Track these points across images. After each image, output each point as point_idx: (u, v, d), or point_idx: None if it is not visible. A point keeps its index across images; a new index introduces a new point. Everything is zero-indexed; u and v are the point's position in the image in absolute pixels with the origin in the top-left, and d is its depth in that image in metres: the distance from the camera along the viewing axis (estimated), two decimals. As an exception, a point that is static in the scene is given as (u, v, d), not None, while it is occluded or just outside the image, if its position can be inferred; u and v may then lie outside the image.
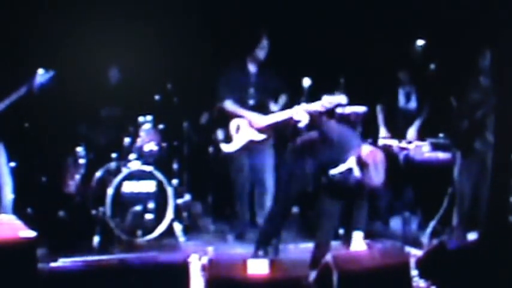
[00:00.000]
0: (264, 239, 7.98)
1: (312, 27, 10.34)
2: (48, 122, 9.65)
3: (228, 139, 9.19)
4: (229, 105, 9.13)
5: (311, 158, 7.66)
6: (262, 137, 9.07)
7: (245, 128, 9.10)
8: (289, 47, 9.88)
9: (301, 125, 7.92)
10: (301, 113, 7.86)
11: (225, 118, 9.17)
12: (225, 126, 9.20)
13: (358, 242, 7.47)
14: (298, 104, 7.94)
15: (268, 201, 8.93)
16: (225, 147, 9.20)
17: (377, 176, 7.28)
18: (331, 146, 7.48)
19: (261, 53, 9.18)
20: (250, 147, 9.13)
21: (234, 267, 6.04)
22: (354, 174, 7.28)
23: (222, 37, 10.17)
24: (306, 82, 7.92)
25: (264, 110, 9.07)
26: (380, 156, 7.32)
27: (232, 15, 10.32)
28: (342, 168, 7.35)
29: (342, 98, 8.27)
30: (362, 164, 7.22)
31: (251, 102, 9.18)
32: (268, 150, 9.19)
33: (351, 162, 7.29)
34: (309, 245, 8.76)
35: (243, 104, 9.12)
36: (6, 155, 8.63)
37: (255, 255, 7.77)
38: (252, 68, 9.26)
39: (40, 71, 8.47)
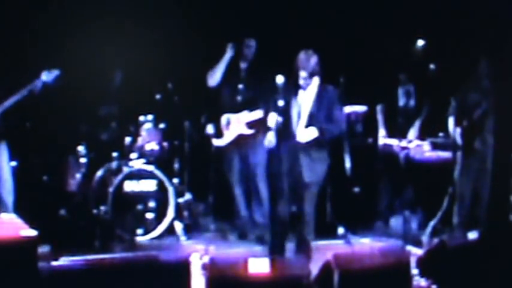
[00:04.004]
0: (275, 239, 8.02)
1: (312, 27, 10.34)
2: (49, 121, 9.65)
3: (218, 134, 9.26)
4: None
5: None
6: (251, 131, 9.08)
7: (235, 122, 9.15)
8: (289, 47, 9.87)
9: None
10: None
11: (216, 113, 9.29)
12: (216, 121, 9.30)
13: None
14: None
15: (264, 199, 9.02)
16: (216, 142, 9.27)
17: None
18: None
19: (247, 52, 9.24)
20: (241, 142, 9.15)
21: (235, 266, 6.03)
22: None
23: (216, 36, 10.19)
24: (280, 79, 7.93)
25: (252, 106, 9.10)
26: None
27: (230, 14, 10.33)
28: None
29: None
30: None
31: (239, 98, 9.21)
32: (259, 145, 9.09)
33: None
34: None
35: (231, 99, 9.18)
36: (8, 154, 8.63)
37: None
38: (242, 64, 9.30)
39: (44, 73, 8.49)
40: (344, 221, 9.26)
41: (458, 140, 8.86)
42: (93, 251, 8.32)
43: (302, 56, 7.94)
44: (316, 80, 7.96)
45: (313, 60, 7.93)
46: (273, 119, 7.94)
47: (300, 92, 7.94)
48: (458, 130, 8.85)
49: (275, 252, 7.82)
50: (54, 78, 8.55)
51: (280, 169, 7.85)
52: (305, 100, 7.94)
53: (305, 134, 7.85)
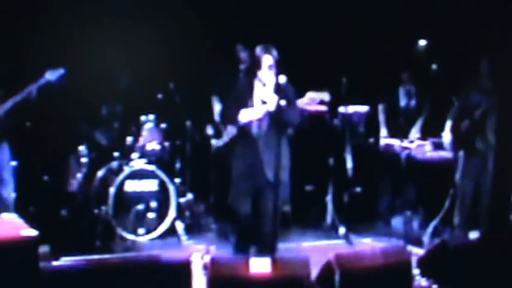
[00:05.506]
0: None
1: (314, 28, 10.35)
2: (50, 120, 9.66)
3: (217, 134, 9.27)
4: (214, 102, 9.37)
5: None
6: None
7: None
8: (291, 47, 9.89)
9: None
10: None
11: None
12: (215, 122, 9.36)
13: None
14: None
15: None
16: (215, 142, 9.30)
17: None
18: None
19: (242, 55, 9.33)
20: None
21: (236, 266, 6.03)
22: None
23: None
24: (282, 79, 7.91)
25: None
26: None
27: (231, 14, 10.35)
28: None
29: (325, 95, 8.28)
30: None
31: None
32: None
33: None
34: (311, 244, 8.80)
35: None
36: (10, 153, 8.64)
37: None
38: (242, 66, 9.33)
39: (48, 71, 8.49)
40: (345, 221, 9.26)
41: (447, 146, 8.86)
42: (94, 251, 8.33)
43: (261, 46, 7.87)
44: (274, 76, 7.91)
45: (274, 50, 7.90)
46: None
47: (258, 86, 7.88)
48: (450, 136, 8.84)
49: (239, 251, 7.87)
50: (58, 77, 8.54)
51: (244, 167, 7.87)
52: (264, 95, 7.88)
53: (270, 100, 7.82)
